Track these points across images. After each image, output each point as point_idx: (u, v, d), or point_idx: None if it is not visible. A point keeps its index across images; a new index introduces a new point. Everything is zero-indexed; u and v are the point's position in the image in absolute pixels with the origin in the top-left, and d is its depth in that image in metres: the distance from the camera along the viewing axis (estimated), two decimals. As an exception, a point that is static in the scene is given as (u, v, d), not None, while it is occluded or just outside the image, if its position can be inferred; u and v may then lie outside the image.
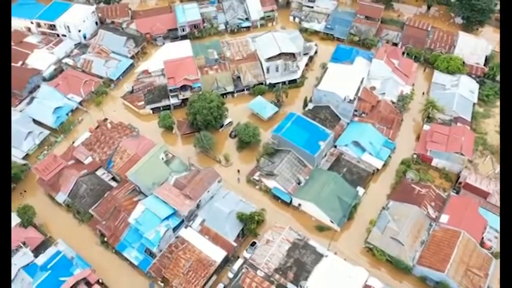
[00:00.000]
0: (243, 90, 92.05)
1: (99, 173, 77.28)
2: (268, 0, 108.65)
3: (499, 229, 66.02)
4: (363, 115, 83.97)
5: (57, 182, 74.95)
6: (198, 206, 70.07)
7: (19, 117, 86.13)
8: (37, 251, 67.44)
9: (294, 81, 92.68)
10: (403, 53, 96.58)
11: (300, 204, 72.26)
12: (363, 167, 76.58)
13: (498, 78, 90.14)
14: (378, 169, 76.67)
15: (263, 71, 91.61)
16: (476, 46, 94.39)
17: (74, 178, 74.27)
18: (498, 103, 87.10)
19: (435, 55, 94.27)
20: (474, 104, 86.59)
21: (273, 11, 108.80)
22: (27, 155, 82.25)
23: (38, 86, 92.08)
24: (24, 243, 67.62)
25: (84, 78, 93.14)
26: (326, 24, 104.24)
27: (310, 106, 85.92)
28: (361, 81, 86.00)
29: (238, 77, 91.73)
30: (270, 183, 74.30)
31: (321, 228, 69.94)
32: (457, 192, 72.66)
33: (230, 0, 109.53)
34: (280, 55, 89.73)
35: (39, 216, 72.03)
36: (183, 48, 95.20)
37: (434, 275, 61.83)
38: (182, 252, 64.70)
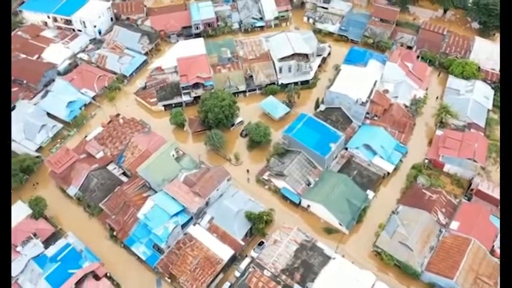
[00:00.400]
0: (255, 89, 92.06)
1: (110, 167, 77.99)
2: (282, 0, 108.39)
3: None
4: (375, 118, 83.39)
5: (68, 175, 75.82)
6: (207, 204, 70.32)
7: (33, 110, 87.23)
8: (47, 243, 68.32)
9: (307, 82, 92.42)
10: (418, 57, 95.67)
11: (309, 206, 72.08)
12: (373, 170, 76.09)
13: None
14: (388, 173, 76.15)
15: (276, 71, 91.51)
16: (493, 51, 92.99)
17: (85, 172, 75.06)
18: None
19: (450, 59, 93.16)
20: (488, 110, 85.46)
21: (287, 11, 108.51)
22: (40, 147, 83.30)
23: (53, 80, 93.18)
24: (35, 234, 68.54)
25: (98, 73, 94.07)
26: (340, 26, 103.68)
27: (322, 107, 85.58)
28: (374, 84, 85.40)
29: (251, 76, 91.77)
30: (280, 183, 74.23)
31: (329, 231, 69.68)
32: (469, 199, 71.86)
33: (244, 0, 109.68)
34: (293, 55, 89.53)
35: (50, 208, 72.93)
36: (196, 46, 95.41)
37: (442, 281, 61.20)
38: (190, 249, 65.00)
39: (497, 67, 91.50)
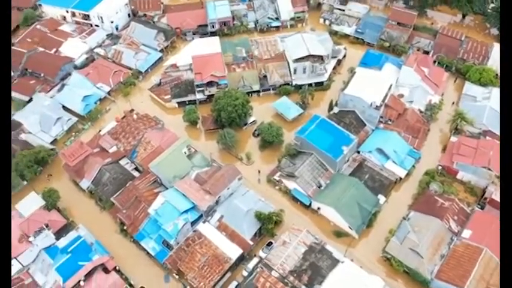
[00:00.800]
0: (269, 89, 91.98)
1: (122, 162, 78.63)
2: (299, 1, 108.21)
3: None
4: (389, 122, 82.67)
5: (82, 168, 76.73)
6: (217, 202, 70.53)
7: (50, 102, 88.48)
8: (59, 234, 69.36)
9: (321, 83, 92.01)
10: (434, 62, 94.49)
11: (319, 208, 71.80)
12: (385, 175, 75.46)
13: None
14: (400, 178, 75.43)
15: (290, 72, 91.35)
16: None
17: (98, 166, 75.86)
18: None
19: (467, 65, 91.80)
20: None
21: (303, 12, 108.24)
22: (55, 140, 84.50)
23: (70, 74, 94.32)
24: (47, 225, 69.73)
25: (113, 69, 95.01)
26: (356, 28, 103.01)
27: (336, 110, 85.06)
28: (389, 88, 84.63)
29: (265, 76, 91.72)
30: (290, 184, 74.08)
31: (339, 234, 69.34)
32: (482, 208, 70.74)
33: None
34: (308, 57, 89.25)
35: (63, 200, 73.94)
36: (211, 45, 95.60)
37: (452, 290, 60.47)
38: (199, 247, 65.28)
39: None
